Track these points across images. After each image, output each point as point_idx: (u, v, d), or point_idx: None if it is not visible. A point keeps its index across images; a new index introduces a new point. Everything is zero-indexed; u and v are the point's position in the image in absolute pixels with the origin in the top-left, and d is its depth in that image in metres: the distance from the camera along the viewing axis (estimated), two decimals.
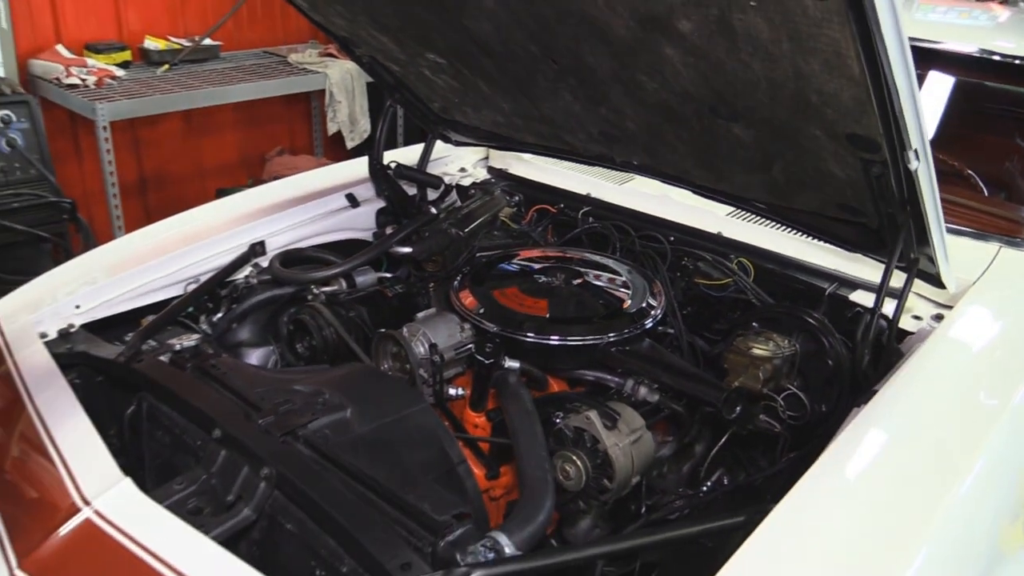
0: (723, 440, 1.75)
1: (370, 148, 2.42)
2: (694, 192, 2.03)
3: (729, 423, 1.68)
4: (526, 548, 1.32)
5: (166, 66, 4.07)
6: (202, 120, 4.44)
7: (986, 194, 2.42)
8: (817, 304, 1.95)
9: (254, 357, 2.15)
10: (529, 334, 1.80)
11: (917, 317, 1.87)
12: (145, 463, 1.70)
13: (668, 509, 1.69)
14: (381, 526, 1.29)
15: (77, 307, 1.93)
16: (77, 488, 1.35)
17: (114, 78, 3.90)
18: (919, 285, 1.82)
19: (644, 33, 1.43)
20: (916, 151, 1.34)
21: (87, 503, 1.32)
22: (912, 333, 1.83)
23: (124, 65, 4.07)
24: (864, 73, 1.21)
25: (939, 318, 1.84)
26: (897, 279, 1.69)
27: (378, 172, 2.41)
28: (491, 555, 1.26)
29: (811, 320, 1.84)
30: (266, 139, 4.85)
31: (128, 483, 1.35)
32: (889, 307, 1.71)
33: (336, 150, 5.12)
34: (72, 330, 1.89)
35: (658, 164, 1.99)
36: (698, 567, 1.43)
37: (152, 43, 4.21)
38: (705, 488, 1.78)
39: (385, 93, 2.40)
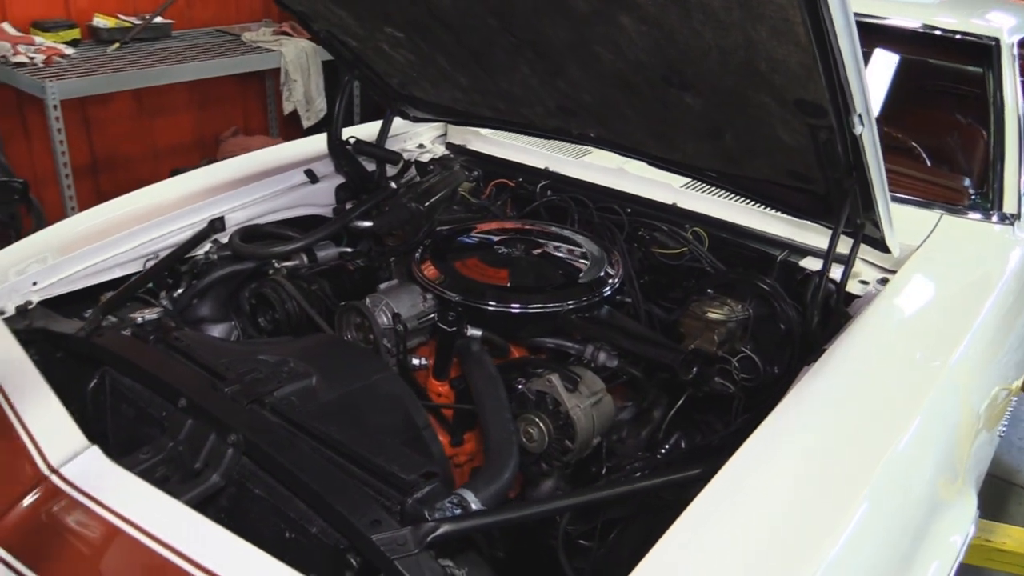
0: (680, 402, 1.80)
1: (328, 124, 2.42)
2: (650, 163, 2.08)
3: (686, 384, 1.74)
4: (492, 505, 1.36)
5: (116, 44, 3.98)
6: (154, 100, 4.36)
7: (929, 165, 2.51)
8: (769, 270, 2.02)
9: (215, 332, 2.15)
10: (490, 303, 1.83)
11: (864, 282, 1.94)
12: (109, 437, 1.70)
13: (629, 470, 1.73)
14: (351, 487, 1.32)
15: (35, 284, 1.91)
16: (43, 456, 1.35)
17: (63, 56, 3.80)
18: (867, 252, 1.90)
19: (602, 3, 1.46)
20: (860, 116, 1.40)
21: (53, 471, 1.33)
22: (859, 296, 1.91)
23: (73, 43, 3.97)
24: (810, 39, 1.26)
25: (884, 282, 1.92)
26: (845, 245, 1.76)
27: (337, 148, 2.41)
28: (458, 511, 1.30)
29: (763, 285, 1.91)
30: (220, 119, 4.78)
31: (95, 450, 1.36)
32: (838, 272, 1.78)
33: (292, 130, 5.07)
34: (30, 307, 1.87)
35: (613, 136, 2.03)
36: (660, 522, 1.49)
37: (101, 21, 4.12)
38: (663, 451, 1.84)
39: (343, 69, 2.40)
